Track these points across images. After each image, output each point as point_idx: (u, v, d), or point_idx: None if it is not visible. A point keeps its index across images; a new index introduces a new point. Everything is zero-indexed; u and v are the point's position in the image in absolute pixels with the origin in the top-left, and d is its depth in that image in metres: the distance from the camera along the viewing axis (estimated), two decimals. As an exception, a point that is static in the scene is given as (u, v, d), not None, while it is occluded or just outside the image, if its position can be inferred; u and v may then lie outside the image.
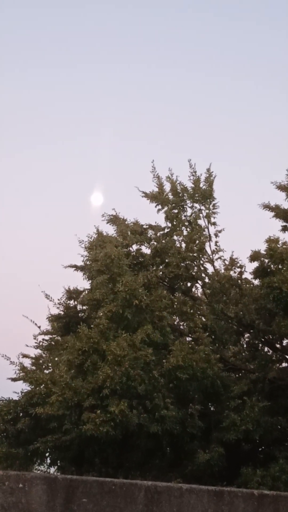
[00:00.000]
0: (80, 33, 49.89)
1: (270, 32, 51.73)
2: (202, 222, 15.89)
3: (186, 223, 15.97)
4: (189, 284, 16.01)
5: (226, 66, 51.55)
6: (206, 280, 15.67)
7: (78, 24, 49.47)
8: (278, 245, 13.84)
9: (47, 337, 16.26)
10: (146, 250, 15.75)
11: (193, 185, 16.04)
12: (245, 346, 16.11)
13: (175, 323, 15.55)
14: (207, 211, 15.92)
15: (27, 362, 14.81)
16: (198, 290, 16.53)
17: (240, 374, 15.34)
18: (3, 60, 49.20)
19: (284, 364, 15.23)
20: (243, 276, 15.42)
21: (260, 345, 15.62)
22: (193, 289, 16.42)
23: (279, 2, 48.61)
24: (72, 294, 16.09)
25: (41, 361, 15.35)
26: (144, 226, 16.04)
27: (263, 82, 52.56)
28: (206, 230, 15.76)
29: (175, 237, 15.81)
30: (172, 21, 48.98)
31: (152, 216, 16.16)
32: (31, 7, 48.32)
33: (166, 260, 15.37)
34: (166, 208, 15.98)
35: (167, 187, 16.25)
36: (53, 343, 15.99)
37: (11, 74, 49.41)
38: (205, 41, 50.65)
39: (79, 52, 50.75)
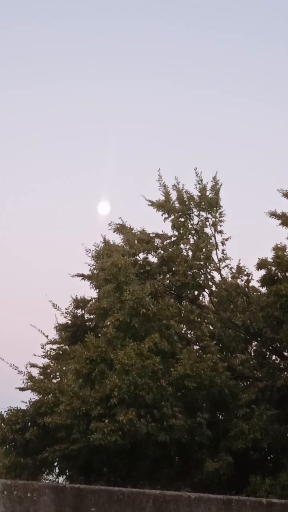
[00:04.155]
0: (84, 43, 50.16)
1: (272, 41, 51.88)
2: (208, 230, 15.89)
3: (193, 232, 15.97)
4: (196, 293, 16.01)
5: (232, 73, 51.64)
6: (213, 288, 15.66)
7: (80, 33, 49.71)
8: (285, 253, 13.82)
9: (54, 347, 16.32)
10: (153, 258, 15.77)
11: (199, 194, 16.05)
12: (252, 354, 16.06)
13: (183, 331, 15.54)
14: (214, 219, 15.92)
15: (35, 372, 14.88)
16: (205, 298, 16.54)
17: (248, 383, 15.29)
18: (8, 69, 49.54)
19: (292, 372, 15.17)
20: (250, 284, 15.38)
21: (268, 353, 15.57)
22: (200, 298, 16.42)
23: (280, 11, 48.74)
24: (80, 303, 16.13)
25: (49, 371, 15.38)
26: (151, 235, 16.06)
27: (269, 89, 52.66)
28: (212, 238, 15.75)
29: (181, 246, 15.82)
30: (177, 33, 49.22)
31: (159, 224, 16.18)
32: (33, 17, 48.68)
33: (173, 269, 15.37)
34: (172, 217, 15.99)
35: (174, 195, 16.27)
36: (60, 352, 16.02)
37: (15, 77, 49.71)
38: (209, 52, 50.86)
39: (84, 59, 51.01)
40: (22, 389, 14.01)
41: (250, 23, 49.15)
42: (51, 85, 49.24)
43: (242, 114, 51.34)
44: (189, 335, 15.72)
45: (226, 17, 49.11)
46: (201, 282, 15.46)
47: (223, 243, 15.74)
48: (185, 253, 15.65)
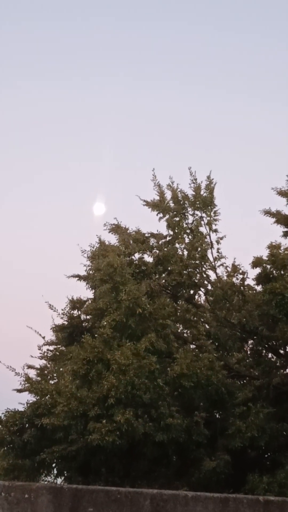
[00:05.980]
0: (81, 40, 50.12)
1: (269, 39, 51.95)
2: (203, 229, 15.93)
3: (188, 231, 16.01)
4: (192, 292, 16.03)
5: (226, 71, 51.68)
6: (209, 287, 15.69)
7: (79, 37, 49.73)
8: (280, 251, 13.87)
9: (51, 348, 16.30)
10: (148, 258, 15.80)
11: (194, 193, 16.09)
12: (249, 352, 16.11)
13: (179, 331, 15.57)
14: (208, 218, 15.96)
15: (32, 373, 14.86)
16: (201, 297, 16.58)
17: (244, 381, 15.33)
18: (4, 73, 49.47)
19: (288, 370, 15.22)
20: (246, 283, 15.43)
21: (264, 351, 15.61)
22: (196, 297, 16.45)
23: (279, 12, 48.80)
24: (76, 304, 16.12)
25: (46, 372, 15.37)
26: (146, 235, 16.08)
27: (263, 88, 52.71)
28: (207, 237, 15.79)
29: (177, 245, 15.84)
30: (173, 33, 49.27)
31: (154, 224, 16.21)
32: (28, 20, 48.63)
33: (169, 268, 15.39)
34: (167, 216, 16.03)
35: (168, 195, 16.31)
36: (57, 353, 16.01)
37: (14, 83, 49.69)
38: (203, 51, 50.88)
39: (81, 62, 50.96)
40: (19, 391, 14.00)
41: (248, 20, 49.22)
42: (47, 83, 49.23)
43: (238, 112, 51.38)
44: (185, 334, 15.75)
45: (224, 15, 49.15)
46: (196, 281, 15.49)
47: (218, 242, 15.79)
48: (180, 253, 15.67)
